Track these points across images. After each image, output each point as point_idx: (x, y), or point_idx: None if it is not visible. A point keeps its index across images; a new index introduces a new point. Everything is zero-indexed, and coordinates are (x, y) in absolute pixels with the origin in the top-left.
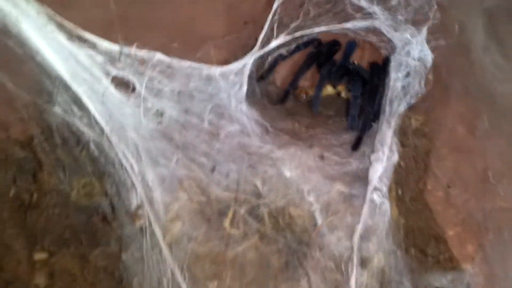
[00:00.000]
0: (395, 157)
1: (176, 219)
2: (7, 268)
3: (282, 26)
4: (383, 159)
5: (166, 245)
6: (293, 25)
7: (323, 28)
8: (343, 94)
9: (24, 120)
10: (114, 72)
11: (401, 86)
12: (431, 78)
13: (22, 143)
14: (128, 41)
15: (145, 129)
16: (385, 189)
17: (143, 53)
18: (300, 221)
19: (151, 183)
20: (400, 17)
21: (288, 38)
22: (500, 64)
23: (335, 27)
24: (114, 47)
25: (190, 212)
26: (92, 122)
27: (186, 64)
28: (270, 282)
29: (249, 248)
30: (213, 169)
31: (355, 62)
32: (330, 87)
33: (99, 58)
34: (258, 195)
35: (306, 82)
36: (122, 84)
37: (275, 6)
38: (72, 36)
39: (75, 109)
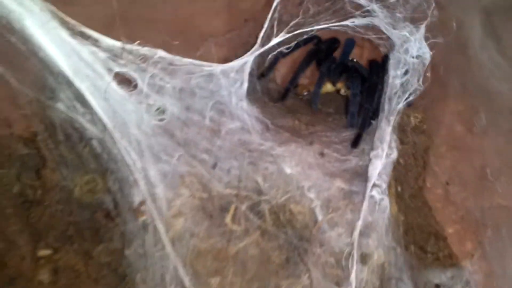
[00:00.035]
0: (394, 154)
1: (178, 215)
2: (11, 264)
3: (282, 24)
4: (382, 156)
5: (169, 241)
6: (292, 23)
7: (322, 26)
8: (343, 92)
9: (28, 117)
10: (116, 68)
11: (400, 83)
12: (429, 75)
13: (26, 139)
14: (129, 39)
15: (147, 126)
16: (384, 185)
17: (145, 50)
18: (300, 217)
19: (153, 179)
20: (398, 14)
21: (288, 35)
22: (498, 62)
23: (334, 25)
24: (116, 44)
25: (192, 208)
26: (95, 118)
27: (187, 61)
28: (271, 277)
29: (251, 244)
30: (214, 166)
31: (354, 59)
32: (330, 84)
33: (102, 55)
34: (259, 191)
35: (306, 80)
36: (125, 81)
37: (275, 4)
38: (75, 33)
39: (78, 105)
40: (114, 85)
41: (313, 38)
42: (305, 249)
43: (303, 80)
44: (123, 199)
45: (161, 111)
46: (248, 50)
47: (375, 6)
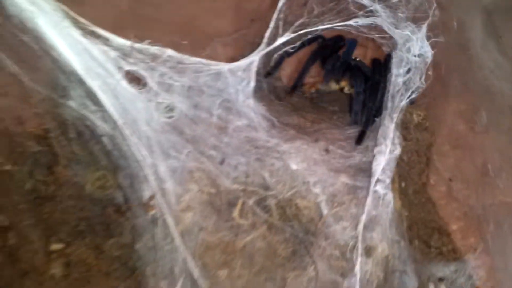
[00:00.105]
0: (398, 150)
1: (187, 210)
2: (24, 259)
3: (287, 24)
4: (385, 152)
5: (178, 235)
6: (297, 23)
7: (326, 26)
8: (346, 90)
9: (40, 115)
10: (126, 67)
11: (403, 81)
12: (431, 74)
13: (38, 137)
14: (138, 38)
15: (156, 123)
16: (388, 180)
17: (154, 49)
18: (306, 211)
19: (163, 175)
20: (400, 14)
21: (293, 35)
22: (498, 61)
23: (338, 24)
24: (126, 43)
25: (201, 203)
26: (106, 116)
27: (195, 60)
28: (278, 270)
29: (258, 238)
30: (222, 162)
31: (358, 58)
32: (334, 82)
33: (112, 54)
34: (266, 187)
35: (311, 79)
36: (135, 79)
37: (280, 4)
38: (86, 32)
39: (89, 103)
40: (124, 83)
41: (318, 38)
42: (311, 242)
43: (308, 79)
44: (133, 194)
45: (170, 108)
46: (254, 50)
47: (377, 6)
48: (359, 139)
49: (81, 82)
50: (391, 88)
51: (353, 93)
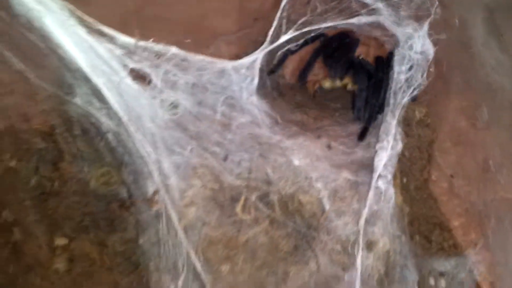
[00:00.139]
0: (399, 146)
1: (191, 205)
2: (29, 253)
3: (290, 23)
4: (387, 148)
5: (181, 230)
6: (300, 21)
7: (329, 24)
8: (349, 87)
9: (46, 112)
10: (131, 65)
11: (405, 78)
12: (433, 71)
13: (44, 134)
14: (143, 37)
15: (161, 120)
16: (389, 176)
17: (159, 47)
18: (308, 207)
19: (167, 171)
20: (403, 12)
21: (296, 33)
22: (500, 58)
23: (341, 22)
24: (131, 41)
25: (204, 198)
26: (110, 113)
27: (200, 58)
28: (280, 264)
29: (260, 233)
30: (225, 158)
31: (361, 56)
32: (337, 80)
33: (118, 52)
34: (269, 182)
35: (314, 76)
36: (140, 77)
37: (283, 3)
38: (92, 31)
39: (95, 100)
40: (129, 80)
41: (320, 36)
42: (313, 237)
43: (312, 76)
44: (137, 190)
45: (174, 105)
46: (258, 48)
47: (380, 5)
48: (362, 136)
49: (86, 80)
50: (393, 85)
51: (356, 90)
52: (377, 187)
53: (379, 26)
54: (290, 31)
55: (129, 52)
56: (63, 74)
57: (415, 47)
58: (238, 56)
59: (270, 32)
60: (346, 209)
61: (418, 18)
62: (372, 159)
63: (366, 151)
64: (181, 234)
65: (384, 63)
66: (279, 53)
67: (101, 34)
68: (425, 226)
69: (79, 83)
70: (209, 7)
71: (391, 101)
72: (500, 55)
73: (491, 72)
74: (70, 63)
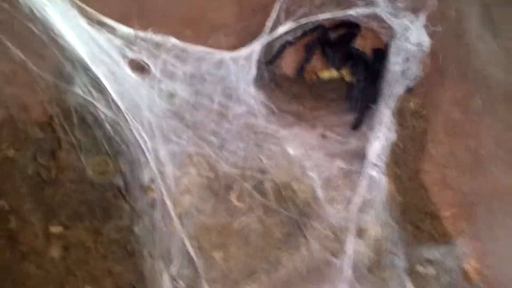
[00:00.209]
0: (393, 136)
1: (186, 193)
2: (24, 241)
3: (288, 14)
4: (381, 138)
5: (176, 217)
6: (299, 13)
7: (327, 15)
8: (347, 78)
9: (45, 102)
10: (131, 55)
11: (400, 70)
12: (429, 62)
13: (42, 123)
14: (143, 28)
15: (159, 109)
16: (382, 166)
17: (158, 38)
18: (302, 195)
19: (163, 159)
20: (400, 4)
21: (294, 25)
22: (494, 51)
23: (339, 14)
24: (131, 32)
25: (199, 186)
26: (109, 102)
27: (199, 49)
28: (272, 251)
29: (254, 220)
30: (221, 147)
31: (358, 48)
32: (335, 70)
33: (117, 42)
34: (263, 171)
35: (311, 67)
36: (138, 67)
37: None
38: (93, 21)
39: (93, 90)
40: (128, 70)
41: (318, 27)
42: (306, 224)
43: (310, 67)
44: (133, 178)
45: (172, 95)
46: (257, 39)
47: None
48: (356, 125)
49: (86, 70)
50: (389, 76)
51: (354, 80)
52: (370, 176)
53: (376, 18)
54: (289, 23)
55: (129, 42)
56: (63, 63)
57: (411, 39)
58: (237, 48)
59: (269, 24)
60: (338, 197)
61: (415, 10)
62: (365, 149)
63: (360, 140)
64: (176, 221)
65: (381, 55)
66: (277, 44)
67: (102, 24)
68: (417, 215)
69: (78, 73)
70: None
71: (387, 91)
72: (495, 48)
73: (486, 64)
74: (70, 53)
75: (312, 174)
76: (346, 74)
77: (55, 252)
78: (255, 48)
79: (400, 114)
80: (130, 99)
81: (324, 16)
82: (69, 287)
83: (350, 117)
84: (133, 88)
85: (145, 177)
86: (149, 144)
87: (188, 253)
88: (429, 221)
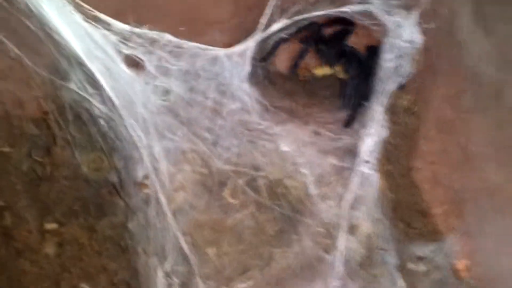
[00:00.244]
0: (385, 133)
1: (180, 189)
2: (19, 238)
3: (283, 11)
4: (373, 135)
5: (170, 213)
6: (293, 10)
7: (321, 12)
8: (340, 75)
9: (40, 98)
10: (126, 51)
11: (393, 67)
12: (421, 60)
13: (37, 120)
14: (138, 24)
15: (153, 105)
16: (374, 162)
17: (153, 34)
18: (294, 191)
19: (157, 155)
20: (393, 2)
21: (288, 22)
22: (486, 48)
23: (332, 11)
24: (126, 28)
25: (193, 183)
26: (104, 98)
27: (193, 45)
28: (265, 247)
29: (247, 217)
30: (215, 143)
31: (351, 45)
32: (328, 67)
33: (113, 38)
34: (257, 167)
35: (305, 64)
36: (133, 63)
37: None
38: (88, 17)
39: (89, 86)
40: (123, 66)
41: (312, 24)
42: (298, 221)
43: (303, 64)
44: (128, 175)
45: (167, 91)
46: (251, 36)
47: None
48: (348, 122)
49: (81, 65)
50: (381, 73)
51: (347, 77)
52: (362, 173)
53: (369, 15)
54: (283, 20)
55: (124, 38)
56: (58, 59)
57: (404, 36)
58: (231, 45)
59: (263, 21)
60: (331, 193)
61: (408, 7)
62: (358, 145)
63: (352, 137)
64: (170, 217)
65: (374, 52)
66: (271, 41)
67: (97, 20)
68: (408, 212)
69: (74, 68)
70: None
71: (379, 88)
72: (487, 45)
73: (477, 62)
74: (66, 49)
75: (305, 170)
76: (339, 71)
77: (50, 249)
78: (249, 45)
79: (392, 111)
80: (125, 95)
81: (318, 13)
82: (65, 283)
83: (342, 114)
84: (128, 84)
85: (140, 174)
86: (143, 140)
87: (182, 249)
88: (420, 218)
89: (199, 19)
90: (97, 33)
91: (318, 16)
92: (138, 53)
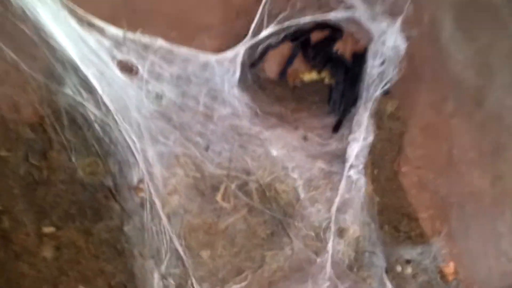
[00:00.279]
0: (371, 138)
1: (173, 193)
2: (17, 241)
3: (271, 17)
4: (359, 140)
5: (165, 217)
6: (281, 16)
7: (308, 18)
8: (327, 80)
9: (36, 102)
10: (119, 56)
11: (377, 73)
12: (404, 66)
13: (33, 124)
14: (131, 29)
15: (146, 110)
16: (361, 166)
17: (146, 39)
18: (285, 195)
19: (151, 160)
20: (377, 9)
21: (277, 28)
22: (466, 53)
23: (319, 17)
24: (120, 33)
25: (186, 187)
26: (98, 103)
27: (185, 50)
28: (257, 250)
29: (239, 220)
30: (207, 148)
31: (338, 51)
32: (315, 72)
33: (107, 43)
34: (248, 172)
35: (293, 70)
36: (127, 68)
37: None
38: (83, 22)
39: (83, 91)
40: (117, 71)
41: (300, 30)
42: (288, 224)
43: (292, 70)
44: (123, 179)
45: (159, 96)
46: (240, 42)
47: (356, 1)
48: (336, 128)
49: (76, 70)
50: (366, 79)
51: (333, 83)
52: (349, 177)
53: (354, 22)
54: (271, 26)
55: (118, 43)
56: (53, 64)
57: (388, 43)
58: (221, 50)
59: (252, 27)
60: (319, 197)
61: (392, 14)
62: (345, 150)
63: (340, 142)
64: (164, 221)
65: (360, 58)
66: (260, 47)
67: (91, 25)
68: (394, 216)
69: (69, 73)
70: (194, 1)
71: (364, 94)
72: (469, 51)
73: (459, 68)
74: (61, 54)
75: (295, 175)
76: (326, 76)
77: (47, 252)
78: (239, 51)
79: (377, 116)
80: (119, 100)
81: (306, 19)
82: (62, 286)
83: (330, 120)
84: (121, 89)
85: (134, 178)
86: (137, 145)
87: (177, 252)
88: (407, 222)
89: (189, 24)
90: (91, 38)
91: (306, 22)
92: (132, 58)
